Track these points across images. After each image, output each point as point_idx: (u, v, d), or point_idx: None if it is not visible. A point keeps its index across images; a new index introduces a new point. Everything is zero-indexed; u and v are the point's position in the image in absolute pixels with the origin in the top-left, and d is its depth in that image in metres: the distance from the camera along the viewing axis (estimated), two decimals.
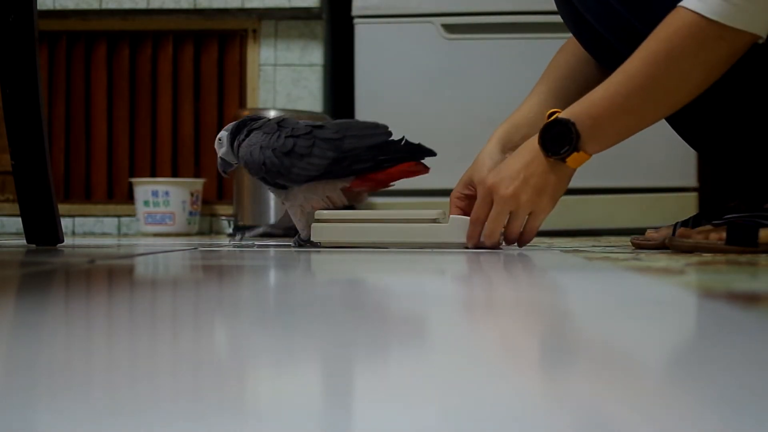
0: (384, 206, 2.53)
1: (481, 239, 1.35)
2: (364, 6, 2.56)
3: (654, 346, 0.47)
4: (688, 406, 0.33)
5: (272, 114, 2.40)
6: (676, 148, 2.55)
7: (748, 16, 1.16)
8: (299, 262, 1.18)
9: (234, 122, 1.56)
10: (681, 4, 1.19)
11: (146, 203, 2.56)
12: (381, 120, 2.55)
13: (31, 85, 1.50)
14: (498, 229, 1.33)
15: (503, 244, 1.37)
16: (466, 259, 1.19)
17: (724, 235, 1.33)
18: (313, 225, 1.46)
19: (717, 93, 1.28)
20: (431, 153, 1.53)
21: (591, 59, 1.45)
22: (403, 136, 1.52)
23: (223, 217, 2.75)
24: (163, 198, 2.54)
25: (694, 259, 1.18)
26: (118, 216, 2.80)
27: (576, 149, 1.28)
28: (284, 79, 2.75)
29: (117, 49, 2.82)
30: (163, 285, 0.87)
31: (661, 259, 1.15)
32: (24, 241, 1.55)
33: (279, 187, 1.50)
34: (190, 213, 2.59)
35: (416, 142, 1.53)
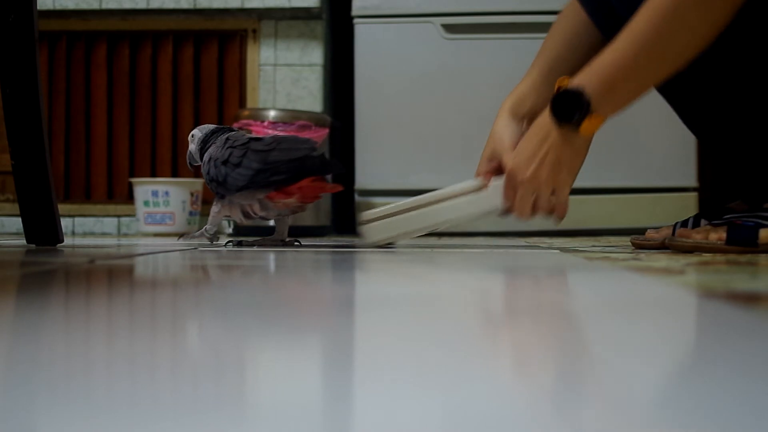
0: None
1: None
2: (364, 6, 2.56)
3: (654, 346, 0.47)
4: (688, 406, 0.33)
5: (272, 114, 2.40)
6: (676, 148, 2.55)
7: None
8: (293, 261, 1.18)
9: (211, 127, 1.65)
10: None
11: (146, 203, 2.56)
12: (381, 119, 2.56)
13: (31, 85, 1.50)
14: (526, 211, 1.36)
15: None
16: (465, 259, 1.19)
17: (724, 235, 1.33)
18: (366, 227, 1.50)
19: (719, 65, 1.29)
20: (340, 169, 1.58)
21: (590, 26, 1.45)
22: (322, 153, 1.58)
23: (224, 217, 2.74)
24: (163, 198, 2.54)
25: (694, 259, 1.18)
26: (118, 216, 2.80)
27: (588, 113, 1.27)
28: (284, 79, 2.75)
29: (117, 49, 2.82)
30: (162, 285, 0.87)
31: (661, 259, 1.15)
32: (24, 241, 1.55)
33: (219, 195, 1.60)
34: (190, 213, 2.59)
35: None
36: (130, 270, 1.05)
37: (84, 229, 2.80)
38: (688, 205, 2.51)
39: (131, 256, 1.33)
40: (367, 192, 2.56)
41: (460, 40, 2.56)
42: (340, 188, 1.62)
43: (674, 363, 0.43)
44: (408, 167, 2.54)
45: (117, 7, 2.70)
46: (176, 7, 2.69)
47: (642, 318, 0.58)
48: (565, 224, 2.56)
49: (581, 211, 2.52)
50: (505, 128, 1.43)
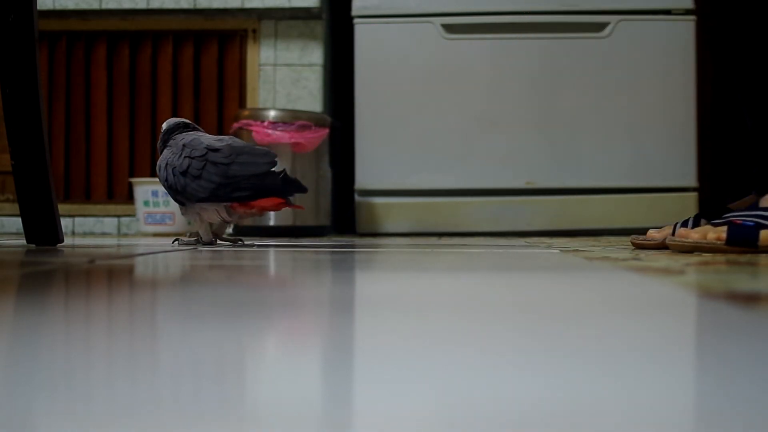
0: (388, 204, 2.53)
1: None
2: (364, 6, 2.56)
3: (653, 346, 0.47)
4: (687, 407, 0.33)
5: (272, 114, 2.40)
6: (676, 148, 2.56)
7: None
8: (292, 261, 1.18)
9: (173, 122, 1.69)
10: None
11: (146, 203, 2.56)
12: (381, 119, 2.56)
13: (31, 85, 1.50)
14: None
15: None
16: (466, 259, 1.19)
17: (723, 235, 1.33)
18: None
19: None
20: (302, 190, 1.60)
21: None
22: (284, 169, 1.60)
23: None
24: (163, 198, 2.54)
25: (693, 259, 1.18)
26: (118, 216, 2.80)
27: None
28: (284, 79, 2.75)
29: (117, 49, 2.82)
30: (162, 285, 0.87)
31: (661, 259, 1.15)
32: (24, 241, 1.55)
33: (179, 202, 1.65)
34: None
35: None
36: (129, 270, 1.05)
37: (84, 229, 2.80)
38: (688, 205, 2.51)
39: (131, 256, 1.33)
40: (367, 192, 2.56)
41: (460, 40, 2.56)
42: (301, 208, 1.66)
43: (674, 363, 0.43)
44: (408, 167, 2.54)
45: (117, 7, 2.70)
46: (176, 7, 2.69)
47: (642, 318, 0.58)
48: (565, 224, 2.56)
49: (581, 211, 2.52)
50: None
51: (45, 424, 0.29)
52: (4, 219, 2.82)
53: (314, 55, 2.74)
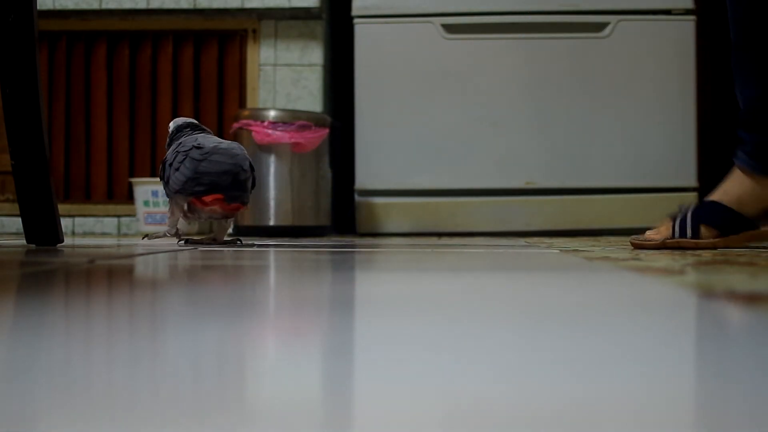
0: (391, 204, 2.53)
1: None
2: (364, 6, 2.56)
3: (654, 346, 0.47)
4: (687, 406, 0.33)
5: (272, 114, 2.40)
6: (676, 148, 2.56)
7: None
8: (291, 261, 1.18)
9: (180, 122, 1.77)
10: None
11: (146, 203, 2.56)
12: (381, 119, 2.56)
13: (31, 85, 1.50)
14: None
15: None
16: (466, 259, 1.19)
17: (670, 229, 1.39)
18: None
19: None
20: (243, 190, 1.64)
21: None
22: (238, 171, 1.65)
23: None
24: (163, 198, 2.54)
25: (693, 259, 1.18)
26: (118, 216, 2.80)
27: None
28: (284, 79, 2.75)
29: (117, 49, 2.82)
30: (162, 285, 0.87)
31: (661, 259, 1.15)
32: (24, 241, 1.55)
33: (166, 195, 1.73)
34: None
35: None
36: (129, 270, 1.05)
37: (84, 229, 2.80)
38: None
39: (131, 256, 1.33)
40: (367, 192, 2.56)
41: (460, 40, 2.56)
42: (244, 208, 1.69)
43: (674, 363, 0.43)
44: (408, 167, 2.54)
45: (117, 7, 2.70)
46: (176, 7, 2.69)
47: (642, 318, 0.58)
48: (565, 224, 2.56)
49: (581, 211, 2.52)
50: None
51: (45, 424, 0.29)
52: (4, 219, 2.82)
53: (314, 55, 2.74)
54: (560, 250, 1.49)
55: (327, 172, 2.50)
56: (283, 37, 2.75)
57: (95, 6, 2.71)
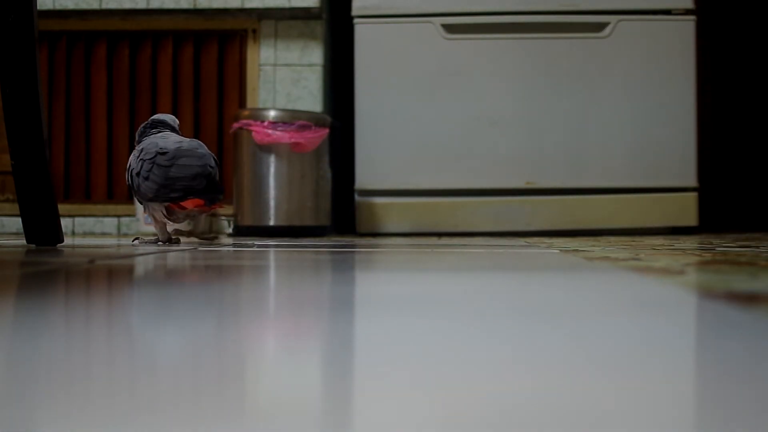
0: (391, 204, 2.53)
1: None
2: (364, 6, 2.56)
3: (653, 346, 0.47)
4: (687, 406, 0.33)
5: (272, 114, 2.40)
6: (676, 148, 2.56)
7: None
8: (290, 262, 1.18)
9: (145, 123, 1.81)
10: None
11: None
12: (381, 119, 2.56)
13: (31, 85, 1.50)
14: None
15: None
16: (466, 259, 1.19)
17: None
18: None
19: None
20: (218, 191, 1.68)
21: None
22: (209, 173, 1.68)
23: (223, 217, 2.75)
24: None
25: (694, 258, 1.18)
26: (118, 216, 2.80)
27: None
28: (284, 79, 2.75)
29: (117, 49, 2.82)
30: (162, 285, 0.87)
31: (661, 259, 1.15)
32: (24, 241, 1.55)
33: (139, 201, 1.76)
34: None
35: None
36: (129, 270, 1.05)
37: (84, 229, 2.80)
38: (688, 205, 2.51)
39: (131, 256, 1.33)
40: (367, 192, 2.56)
41: (460, 40, 2.56)
42: (220, 207, 1.74)
43: (674, 363, 0.43)
44: (408, 167, 2.54)
45: (117, 7, 2.70)
46: (176, 7, 2.69)
47: (642, 318, 0.58)
48: (565, 224, 2.56)
49: (581, 211, 2.52)
50: None
51: (45, 424, 0.29)
52: (4, 219, 2.82)
53: (314, 55, 2.74)
54: (560, 250, 1.49)
55: (327, 172, 2.50)
56: (283, 37, 2.75)
57: (95, 6, 2.71)
